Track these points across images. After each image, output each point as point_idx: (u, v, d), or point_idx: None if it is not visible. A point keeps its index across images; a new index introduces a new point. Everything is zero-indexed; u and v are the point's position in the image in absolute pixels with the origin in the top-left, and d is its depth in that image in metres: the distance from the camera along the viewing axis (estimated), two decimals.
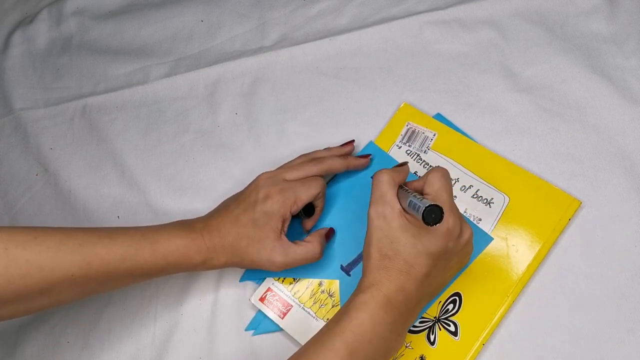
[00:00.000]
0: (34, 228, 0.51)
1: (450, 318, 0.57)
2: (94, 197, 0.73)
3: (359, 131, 0.68)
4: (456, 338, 0.56)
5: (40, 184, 0.76)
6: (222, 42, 0.79)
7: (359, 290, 0.50)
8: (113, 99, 0.79)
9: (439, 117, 0.66)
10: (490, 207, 0.60)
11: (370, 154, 0.65)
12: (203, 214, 0.69)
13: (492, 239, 0.59)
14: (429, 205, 0.46)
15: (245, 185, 0.61)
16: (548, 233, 0.58)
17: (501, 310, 0.56)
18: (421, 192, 0.52)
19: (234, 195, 0.61)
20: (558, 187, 0.59)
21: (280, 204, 0.57)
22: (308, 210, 0.61)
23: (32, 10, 0.89)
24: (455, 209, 0.50)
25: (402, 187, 0.52)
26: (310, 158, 0.62)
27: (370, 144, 0.66)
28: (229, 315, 0.63)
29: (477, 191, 0.61)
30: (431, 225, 0.46)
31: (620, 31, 0.65)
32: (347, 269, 0.61)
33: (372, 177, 0.53)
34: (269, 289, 0.62)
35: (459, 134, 0.65)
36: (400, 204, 0.50)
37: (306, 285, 0.61)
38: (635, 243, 0.57)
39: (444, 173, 0.51)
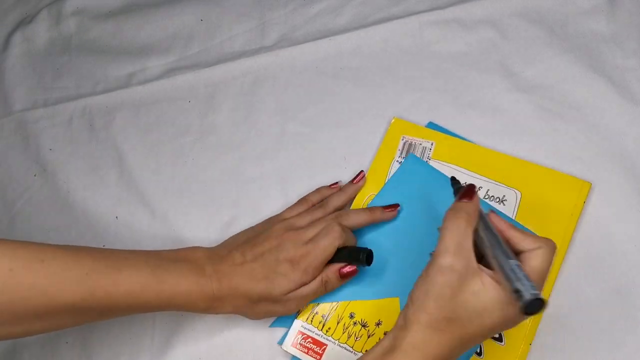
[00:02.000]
0: (41, 247, 0.49)
1: None
2: (92, 197, 0.73)
3: (359, 131, 0.68)
4: (501, 343, 0.55)
5: (39, 185, 0.76)
6: (222, 41, 0.79)
7: (399, 346, 0.43)
8: (112, 99, 0.79)
9: (432, 125, 0.66)
10: (504, 204, 0.60)
11: (398, 205, 0.61)
12: (201, 215, 0.69)
13: None
14: (536, 298, 0.39)
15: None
16: (567, 220, 0.57)
17: None
18: (511, 249, 0.44)
19: (246, 236, 0.60)
20: (565, 173, 0.59)
21: (301, 274, 0.56)
22: (369, 257, 0.57)
23: (32, 10, 0.89)
24: None
25: (485, 229, 0.45)
26: (335, 227, 0.57)
27: (411, 155, 0.64)
28: (229, 315, 0.63)
29: (487, 191, 0.61)
30: (528, 315, 0.40)
31: (620, 31, 0.65)
32: None
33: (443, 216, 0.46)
34: (299, 332, 0.60)
35: (457, 138, 0.64)
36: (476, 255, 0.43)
37: (337, 320, 0.59)
38: (635, 243, 0.57)
39: (554, 249, 0.44)
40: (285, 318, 0.61)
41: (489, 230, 0.45)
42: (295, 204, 0.64)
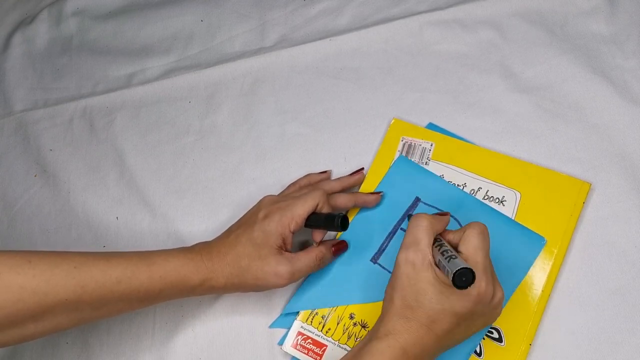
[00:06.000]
0: (28, 252, 0.50)
1: (493, 325, 0.56)
2: (92, 197, 0.73)
3: (359, 131, 0.68)
4: (502, 344, 0.55)
5: (39, 185, 0.76)
6: (222, 42, 0.79)
7: (374, 335, 0.48)
8: (113, 100, 0.79)
9: (432, 126, 0.66)
10: (503, 205, 0.60)
11: (381, 192, 0.63)
12: (202, 216, 0.69)
13: (544, 240, 0.58)
14: (460, 269, 0.44)
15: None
16: (567, 220, 0.58)
17: (539, 307, 0.56)
18: (456, 247, 0.50)
19: (237, 221, 0.61)
20: (564, 173, 0.60)
21: (277, 222, 0.56)
22: (344, 223, 0.57)
23: (32, 10, 0.89)
24: (489, 271, 0.48)
25: (437, 239, 0.50)
26: (319, 189, 0.60)
27: (401, 157, 0.65)
28: (228, 314, 0.63)
29: (487, 192, 0.61)
30: (461, 289, 0.45)
31: (620, 31, 0.65)
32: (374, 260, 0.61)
33: (408, 218, 0.53)
34: (299, 333, 0.60)
35: (456, 139, 0.65)
36: (433, 255, 0.49)
37: (336, 321, 0.60)
38: (635, 243, 0.57)
39: (482, 230, 0.49)
40: (285, 319, 0.61)
41: (438, 242, 0.51)
42: (302, 177, 0.65)
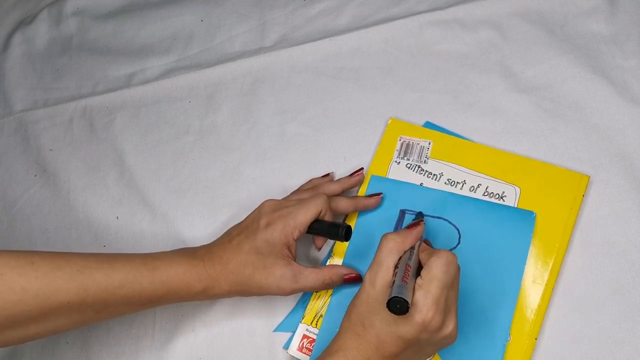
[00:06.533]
0: (31, 252, 0.50)
1: None
2: (92, 197, 0.73)
3: (359, 131, 0.68)
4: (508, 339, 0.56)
5: (39, 185, 0.76)
6: (221, 42, 0.79)
7: (328, 351, 0.49)
8: (113, 100, 0.79)
9: (429, 124, 0.66)
10: (503, 201, 0.60)
11: (381, 193, 0.62)
12: (202, 216, 0.69)
13: (533, 213, 0.58)
14: (393, 297, 0.45)
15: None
16: (567, 214, 0.58)
17: (542, 301, 0.56)
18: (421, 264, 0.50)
19: (237, 223, 0.60)
20: (563, 167, 0.60)
21: (280, 232, 0.55)
22: (348, 234, 0.57)
23: (32, 10, 0.89)
24: (441, 302, 0.47)
25: (403, 258, 0.50)
26: (321, 195, 0.59)
27: (373, 176, 0.64)
28: (229, 315, 0.63)
29: (486, 188, 0.61)
30: (396, 314, 0.46)
31: (620, 31, 0.65)
32: None
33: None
34: (304, 336, 0.60)
35: (454, 137, 0.65)
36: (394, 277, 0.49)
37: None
38: (635, 243, 0.57)
39: (448, 261, 0.48)
40: (289, 322, 0.61)
41: (410, 255, 0.51)
42: (305, 183, 0.65)
